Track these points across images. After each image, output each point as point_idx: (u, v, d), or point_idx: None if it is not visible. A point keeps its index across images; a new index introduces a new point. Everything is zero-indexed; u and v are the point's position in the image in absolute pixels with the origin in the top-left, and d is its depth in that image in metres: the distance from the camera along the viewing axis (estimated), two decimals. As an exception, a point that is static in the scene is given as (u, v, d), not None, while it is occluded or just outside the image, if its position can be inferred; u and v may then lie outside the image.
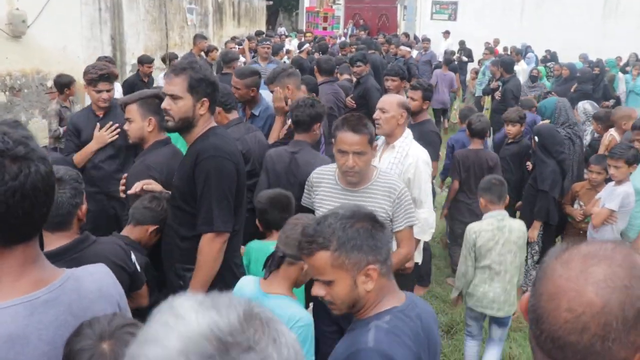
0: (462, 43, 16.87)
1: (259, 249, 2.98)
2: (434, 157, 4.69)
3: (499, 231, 3.63)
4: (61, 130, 6.40)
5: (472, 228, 3.71)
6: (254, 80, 4.59)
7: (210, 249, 2.59)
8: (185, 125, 2.62)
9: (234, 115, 3.84)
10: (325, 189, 2.98)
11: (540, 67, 10.82)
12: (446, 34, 17.99)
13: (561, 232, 5.23)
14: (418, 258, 3.75)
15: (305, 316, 2.32)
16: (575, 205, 4.86)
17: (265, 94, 4.84)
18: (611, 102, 9.77)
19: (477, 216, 4.14)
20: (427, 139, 4.61)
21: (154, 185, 2.88)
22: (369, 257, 1.64)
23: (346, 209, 1.74)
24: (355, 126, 2.73)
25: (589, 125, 6.14)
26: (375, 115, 3.63)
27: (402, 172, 3.50)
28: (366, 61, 6.85)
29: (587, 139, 6.07)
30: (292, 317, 2.22)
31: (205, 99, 2.59)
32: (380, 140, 3.75)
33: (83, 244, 2.17)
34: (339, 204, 2.74)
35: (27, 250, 1.34)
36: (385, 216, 2.83)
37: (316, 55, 10.08)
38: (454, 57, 14.77)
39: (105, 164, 4.02)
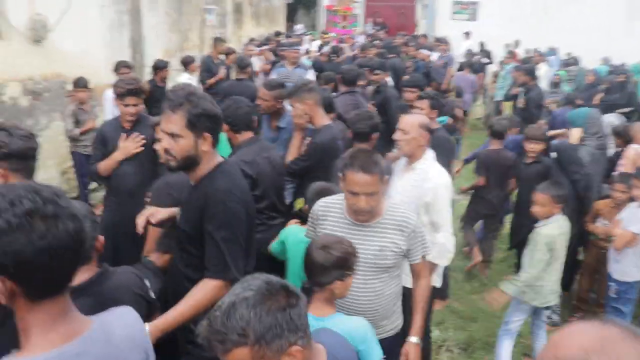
0: (482, 44, 16.71)
1: (294, 235, 3.32)
2: (447, 163, 4.64)
3: (564, 235, 4.00)
4: (77, 131, 6.48)
5: (546, 234, 3.90)
6: (281, 92, 4.64)
7: (213, 295, 2.34)
8: (188, 164, 2.45)
9: (246, 135, 3.73)
10: (333, 223, 2.83)
11: (561, 72, 10.65)
12: (467, 34, 17.82)
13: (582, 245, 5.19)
14: (437, 282, 3.74)
15: (358, 320, 2.49)
16: (598, 223, 4.78)
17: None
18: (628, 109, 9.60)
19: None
20: (438, 144, 4.57)
21: (160, 214, 2.72)
22: (291, 339, 1.49)
23: (256, 289, 1.49)
24: (366, 166, 2.61)
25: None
26: (396, 136, 3.60)
27: (421, 195, 3.46)
28: (385, 68, 6.81)
29: (610, 152, 5.95)
30: (352, 328, 2.33)
31: (207, 134, 2.41)
32: (402, 160, 3.72)
33: (104, 276, 2.21)
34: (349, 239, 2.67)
35: (56, 303, 1.36)
36: (397, 251, 2.79)
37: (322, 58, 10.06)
38: (474, 58, 14.65)
39: (129, 175, 4.05)
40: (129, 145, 4.00)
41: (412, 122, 3.55)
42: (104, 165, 4.07)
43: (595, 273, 4.96)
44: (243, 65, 7.59)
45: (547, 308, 4.21)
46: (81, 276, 2.10)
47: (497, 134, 5.69)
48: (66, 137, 6.60)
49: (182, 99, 2.38)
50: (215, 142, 2.49)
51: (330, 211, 2.87)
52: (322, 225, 2.85)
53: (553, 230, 3.92)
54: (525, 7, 18.75)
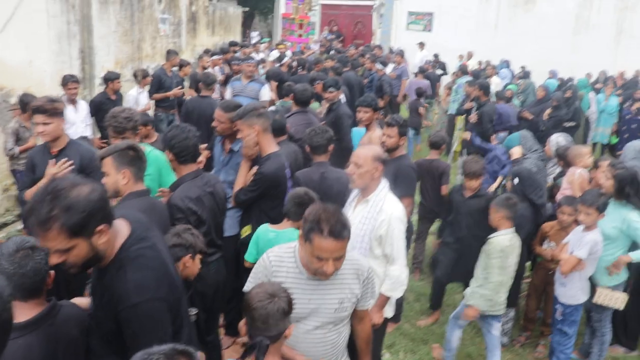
0: (436, 56, 16.99)
1: (264, 234, 3.71)
2: (410, 191, 4.80)
3: (514, 249, 4.29)
4: (16, 149, 6.23)
5: (498, 242, 4.24)
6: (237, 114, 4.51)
7: None
8: (93, 264, 2.12)
9: (191, 167, 3.59)
10: (288, 277, 2.65)
11: (512, 86, 10.90)
12: (421, 45, 18.09)
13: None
14: (389, 312, 3.74)
15: None
16: (545, 245, 4.88)
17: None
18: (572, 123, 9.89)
19: (430, 214, 6.13)
20: (404, 173, 4.69)
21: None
22: None
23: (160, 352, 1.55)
24: (336, 231, 2.43)
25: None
26: (349, 170, 3.57)
27: (375, 228, 3.44)
28: (339, 87, 6.80)
29: (556, 172, 6.10)
30: None
31: (99, 228, 2.03)
32: (355, 191, 3.69)
33: (54, 309, 2.26)
34: (307, 295, 2.61)
35: None
36: (354, 300, 2.74)
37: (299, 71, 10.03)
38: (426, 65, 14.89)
39: None
40: (55, 172, 3.84)
41: (365, 155, 3.47)
42: (30, 193, 3.88)
43: (543, 294, 5.06)
44: (209, 82, 7.40)
45: (495, 318, 4.41)
46: (32, 310, 2.19)
47: (433, 145, 6.10)
48: (5, 155, 6.34)
49: (47, 212, 1.90)
50: (110, 223, 2.10)
51: (283, 263, 2.69)
52: (275, 278, 2.65)
53: (505, 241, 4.25)
54: (479, 19, 19.15)
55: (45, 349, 2.15)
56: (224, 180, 4.25)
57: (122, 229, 2.20)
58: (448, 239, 5.28)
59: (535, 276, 5.12)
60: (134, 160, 3.08)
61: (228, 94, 8.27)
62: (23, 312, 2.13)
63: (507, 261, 4.24)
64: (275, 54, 13.05)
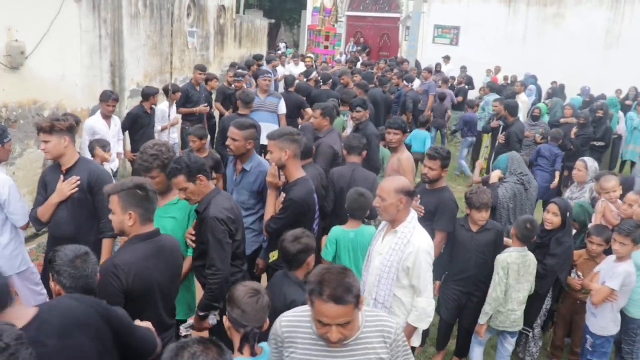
0: (463, 69, 16.90)
1: (343, 234, 4.26)
2: (450, 227, 4.69)
3: (517, 265, 4.37)
4: (51, 161, 6.33)
5: (501, 259, 4.40)
6: (252, 132, 4.50)
7: None
8: None
9: (211, 185, 3.66)
10: (305, 344, 2.46)
11: (541, 105, 10.79)
12: (446, 59, 18.03)
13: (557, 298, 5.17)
14: (416, 342, 3.76)
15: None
16: (573, 275, 4.79)
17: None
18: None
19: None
20: (445, 206, 4.65)
21: None
22: None
23: None
24: (338, 295, 2.22)
25: (591, 183, 6.04)
26: (374, 203, 3.58)
27: (402, 260, 3.46)
28: (366, 107, 6.78)
29: (585, 196, 5.99)
30: None
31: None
32: (383, 222, 3.70)
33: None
34: None
35: None
36: None
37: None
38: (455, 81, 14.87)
39: (65, 221, 4.09)
40: (64, 188, 4.01)
41: (389, 188, 3.47)
42: (42, 210, 4.10)
43: (570, 323, 4.97)
44: (247, 100, 7.34)
45: (510, 334, 4.56)
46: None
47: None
48: (41, 166, 6.46)
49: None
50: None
51: (299, 332, 2.48)
52: (290, 349, 2.48)
53: (508, 258, 4.37)
54: (506, 33, 19.03)
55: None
56: (236, 201, 4.22)
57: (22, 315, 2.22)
58: (452, 277, 4.82)
59: (562, 305, 5.03)
60: (142, 201, 2.99)
61: None
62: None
63: (509, 278, 4.35)
64: (302, 66, 13.03)
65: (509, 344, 4.58)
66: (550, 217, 4.60)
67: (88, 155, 5.86)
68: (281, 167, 4.07)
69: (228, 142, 4.43)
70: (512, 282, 4.35)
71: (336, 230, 4.29)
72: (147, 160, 3.68)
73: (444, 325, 5.05)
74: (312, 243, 3.46)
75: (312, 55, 16.36)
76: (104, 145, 5.93)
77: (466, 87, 14.33)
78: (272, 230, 4.09)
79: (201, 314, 3.57)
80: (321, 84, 10.35)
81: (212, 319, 3.61)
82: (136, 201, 2.96)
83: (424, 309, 3.53)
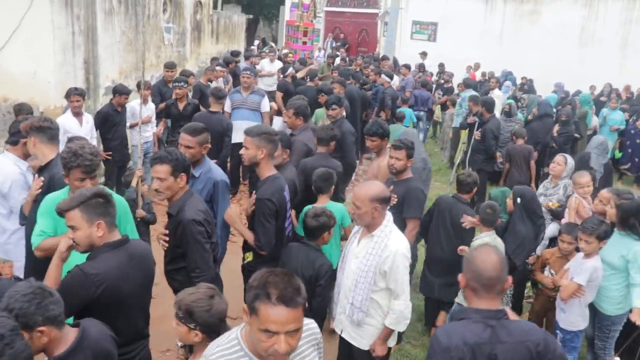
0: (441, 66, 16.99)
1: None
2: (418, 213, 4.85)
3: None
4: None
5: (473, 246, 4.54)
6: (206, 137, 4.40)
7: None
8: None
9: (186, 187, 3.63)
10: None
11: (510, 101, 10.93)
12: (423, 54, 18.12)
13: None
14: (392, 343, 3.82)
15: None
16: (546, 272, 4.86)
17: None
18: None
19: None
20: (413, 195, 4.75)
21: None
22: None
23: None
24: (288, 297, 2.01)
25: (567, 179, 6.12)
26: (349, 209, 3.62)
27: (379, 264, 3.49)
28: (341, 104, 6.79)
29: (560, 193, 6.08)
30: None
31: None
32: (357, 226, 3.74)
33: (85, 332, 2.50)
34: None
35: None
36: None
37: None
38: (432, 79, 14.93)
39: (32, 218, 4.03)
40: (32, 188, 4.11)
41: (363, 196, 3.49)
42: (25, 207, 4.24)
43: (544, 319, 5.04)
44: (219, 96, 7.32)
45: None
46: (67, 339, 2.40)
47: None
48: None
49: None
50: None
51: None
52: None
53: (478, 242, 4.68)
54: (484, 29, 19.18)
55: None
56: None
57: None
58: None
59: (536, 302, 5.10)
60: (107, 208, 2.87)
61: (227, 107, 8.24)
62: (64, 340, 2.39)
63: None
64: (277, 64, 12.93)
65: None
66: (509, 202, 4.97)
67: None
68: (254, 164, 4.04)
69: (182, 150, 4.09)
70: None
71: (307, 208, 4.38)
72: (91, 161, 3.44)
73: (427, 301, 5.50)
74: (330, 221, 3.98)
75: (288, 52, 16.29)
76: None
77: (452, 86, 14.32)
78: (267, 246, 3.96)
79: None
80: (308, 80, 10.38)
81: None
82: (101, 210, 2.85)
83: (401, 312, 3.57)
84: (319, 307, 3.88)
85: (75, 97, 6.78)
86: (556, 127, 9.55)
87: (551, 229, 5.86)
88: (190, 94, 9.50)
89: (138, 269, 2.97)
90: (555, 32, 17.96)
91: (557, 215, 5.89)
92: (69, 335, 2.41)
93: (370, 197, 3.47)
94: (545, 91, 15.29)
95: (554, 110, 10.75)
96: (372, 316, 3.63)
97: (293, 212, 4.55)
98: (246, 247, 4.22)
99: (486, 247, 2.69)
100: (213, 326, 2.55)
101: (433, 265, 5.24)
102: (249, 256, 4.10)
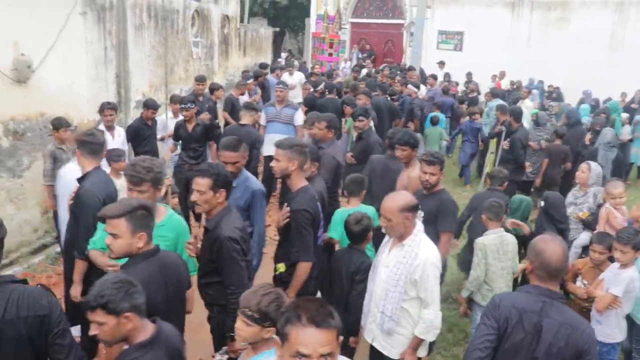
0: (469, 75, 16.87)
1: (344, 212, 4.70)
2: (452, 227, 4.81)
3: (495, 246, 4.79)
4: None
5: (478, 242, 4.85)
6: (245, 147, 4.57)
7: None
8: None
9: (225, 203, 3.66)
10: None
11: (536, 110, 10.83)
12: (441, 64, 18.10)
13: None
14: (422, 353, 3.80)
15: None
16: (578, 283, 4.79)
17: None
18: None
19: None
20: (446, 208, 4.71)
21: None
22: None
23: None
24: (320, 319, 1.94)
25: (596, 187, 6.03)
26: (381, 222, 3.63)
27: (410, 273, 3.51)
28: (368, 115, 6.82)
29: (590, 201, 5.98)
30: None
31: None
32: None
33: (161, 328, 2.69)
34: None
35: None
36: None
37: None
38: (457, 89, 14.85)
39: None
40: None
41: (392, 208, 3.51)
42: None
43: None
44: (251, 108, 7.34)
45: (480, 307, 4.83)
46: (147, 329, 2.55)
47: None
48: (44, 177, 6.51)
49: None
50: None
51: None
52: None
53: (485, 240, 4.83)
54: (510, 37, 19.03)
55: None
56: None
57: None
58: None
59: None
60: (149, 220, 2.98)
61: (262, 120, 8.33)
62: (144, 330, 2.53)
63: (486, 261, 4.78)
64: (294, 77, 12.83)
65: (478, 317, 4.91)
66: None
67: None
68: (285, 176, 4.10)
69: (228, 167, 4.16)
70: (491, 261, 4.77)
71: (338, 211, 4.80)
72: (140, 172, 3.54)
73: None
74: (371, 224, 4.33)
75: (314, 64, 16.38)
76: (119, 155, 5.98)
77: (477, 95, 14.25)
78: (310, 256, 3.98)
79: (232, 334, 3.36)
80: (327, 93, 10.40)
81: None
82: (145, 222, 2.94)
83: (431, 321, 3.58)
84: (355, 302, 4.09)
85: (108, 111, 6.96)
86: (588, 136, 9.41)
87: (583, 237, 5.76)
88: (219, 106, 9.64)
89: (171, 278, 3.05)
90: (584, 38, 17.70)
91: (588, 225, 5.80)
92: (148, 326, 2.55)
93: (400, 208, 3.50)
94: (573, 98, 15.09)
95: (587, 118, 10.61)
96: (402, 325, 3.64)
97: None
98: (278, 258, 4.26)
99: (554, 239, 2.88)
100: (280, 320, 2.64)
101: None
102: (281, 267, 4.13)
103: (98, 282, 2.50)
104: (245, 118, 7.27)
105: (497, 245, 4.79)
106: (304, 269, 3.97)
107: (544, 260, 2.75)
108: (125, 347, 2.54)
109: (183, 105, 7.57)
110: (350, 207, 4.85)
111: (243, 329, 2.61)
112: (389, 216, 3.51)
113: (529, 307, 2.75)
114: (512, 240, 4.89)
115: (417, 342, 3.65)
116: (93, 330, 2.45)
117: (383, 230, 3.66)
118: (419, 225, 3.64)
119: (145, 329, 2.53)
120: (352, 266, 4.19)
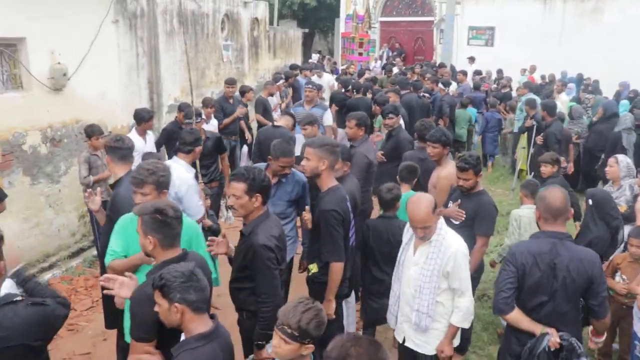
0: (499, 72, 16.63)
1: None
2: (490, 231, 4.72)
3: (528, 217, 5.17)
4: (91, 178, 6.53)
5: (513, 213, 5.43)
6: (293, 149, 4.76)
7: None
8: None
9: (263, 208, 3.56)
10: None
11: (572, 103, 10.59)
12: (471, 60, 17.87)
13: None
14: (456, 342, 3.86)
15: None
16: (617, 278, 4.67)
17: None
18: None
19: None
20: (485, 211, 4.62)
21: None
22: None
23: None
24: None
25: (629, 179, 5.87)
26: (417, 233, 3.65)
27: (442, 266, 3.57)
28: (397, 113, 6.77)
29: (627, 194, 5.82)
30: None
31: None
32: (407, 233, 3.82)
33: (218, 323, 2.83)
34: None
35: None
36: None
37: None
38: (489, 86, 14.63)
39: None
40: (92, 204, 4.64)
41: (427, 215, 3.54)
42: (100, 221, 4.69)
43: (617, 328, 4.84)
44: (289, 115, 7.35)
45: None
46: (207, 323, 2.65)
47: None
48: (80, 184, 6.66)
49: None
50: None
51: None
52: None
53: (519, 211, 5.33)
54: (543, 31, 18.68)
55: (222, 356, 2.63)
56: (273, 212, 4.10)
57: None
58: None
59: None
60: (161, 227, 2.93)
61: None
62: (203, 323, 2.61)
63: (519, 230, 5.19)
64: (323, 79, 12.70)
65: None
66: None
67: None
68: (316, 176, 4.05)
69: (304, 162, 4.09)
70: (523, 232, 5.08)
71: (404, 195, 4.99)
72: (142, 174, 3.59)
73: None
74: (399, 192, 4.75)
75: (348, 64, 16.35)
76: (158, 158, 6.08)
77: (510, 91, 14.00)
78: (340, 256, 3.95)
79: (260, 342, 3.44)
80: (355, 93, 10.36)
81: (270, 348, 3.35)
82: (156, 226, 2.93)
83: (467, 309, 3.65)
84: None
85: (151, 121, 7.24)
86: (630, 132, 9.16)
87: (625, 232, 5.63)
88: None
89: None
90: (619, 30, 17.24)
91: (628, 218, 5.65)
92: (208, 322, 2.63)
93: (431, 212, 3.56)
94: (609, 92, 14.73)
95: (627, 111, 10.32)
96: (437, 320, 3.70)
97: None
98: (310, 258, 4.25)
99: (554, 188, 3.43)
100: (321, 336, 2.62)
101: None
102: (313, 267, 4.11)
103: (171, 265, 2.65)
104: (282, 121, 7.29)
105: (530, 218, 5.06)
106: (337, 270, 3.93)
107: (547, 203, 3.27)
108: (183, 338, 2.65)
109: (188, 120, 7.46)
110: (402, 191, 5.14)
111: (281, 346, 2.54)
112: (426, 224, 3.55)
113: (541, 250, 3.24)
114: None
115: (454, 332, 3.72)
116: (155, 308, 2.61)
117: (419, 237, 3.66)
118: (441, 219, 3.71)
119: (205, 323, 2.61)
120: (398, 234, 4.30)
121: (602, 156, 8.69)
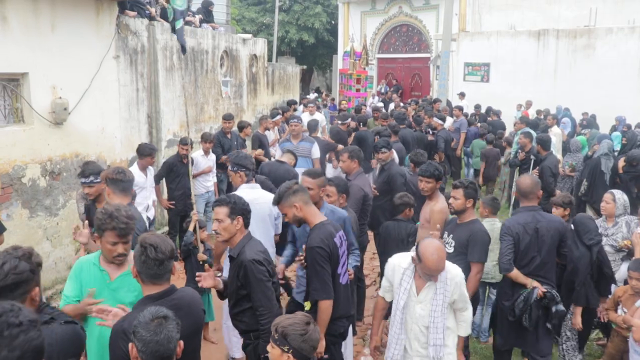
0: (488, 110, 16.78)
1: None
2: (484, 258, 4.73)
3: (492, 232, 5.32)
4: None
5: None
6: (322, 180, 4.62)
7: None
8: None
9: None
10: None
11: (581, 138, 10.68)
12: (461, 95, 18.11)
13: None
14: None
15: None
16: (619, 311, 4.66)
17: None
18: None
19: None
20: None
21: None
22: None
23: None
24: None
25: (624, 216, 5.88)
26: (432, 280, 3.75)
27: (449, 298, 3.77)
28: (390, 147, 6.86)
29: (623, 231, 5.83)
30: None
31: None
32: (408, 269, 3.88)
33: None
34: None
35: None
36: None
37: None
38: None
39: None
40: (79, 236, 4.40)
41: (441, 262, 3.65)
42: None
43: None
44: (292, 154, 7.47)
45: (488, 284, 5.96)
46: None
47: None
48: (80, 219, 6.65)
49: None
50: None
51: None
52: None
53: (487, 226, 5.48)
54: (537, 67, 18.96)
55: None
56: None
57: None
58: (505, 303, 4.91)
59: (611, 344, 4.86)
60: (142, 263, 2.88)
61: (278, 155, 8.45)
62: None
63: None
64: (315, 116, 12.53)
65: (492, 294, 5.98)
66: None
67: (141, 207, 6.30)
68: (301, 222, 3.99)
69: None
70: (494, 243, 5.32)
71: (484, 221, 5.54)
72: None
73: (498, 354, 5.35)
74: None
75: (346, 101, 16.54)
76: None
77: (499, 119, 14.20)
78: (327, 293, 3.83)
79: (266, 355, 3.28)
80: (361, 125, 10.54)
81: None
82: (138, 261, 2.89)
83: (470, 318, 3.99)
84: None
85: (155, 156, 7.26)
86: (621, 163, 9.23)
87: (623, 269, 5.62)
88: (247, 143, 9.78)
89: (185, 319, 2.81)
90: (612, 65, 17.50)
91: (630, 253, 5.65)
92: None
93: (442, 258, 3.65)
94: (604, 126, 14.89)
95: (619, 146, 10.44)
96: (446, 344, 3.84)
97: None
98: (306, 295, 4.19)
99: (524, 175, 4.68)
100: (305, 352, 2.66)
101: None
102: (307, 305, 4.05)
103: (143, 312, 2.47)
104: (285, 157, 7.35)
105: (492, 230, 5.41)
106: (325, 308, 3.82)
107: (519, 187, 4.82)
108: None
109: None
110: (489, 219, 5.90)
111: (269, 349, 2.75)
112: (440, 268, 3.68)
113: (526, 220, 4.64)
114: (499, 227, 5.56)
115: (463, 342, 4.07)
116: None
117: (432, 280, 3.77)
118: None
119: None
120: (404, 234, 5.71)
121: (585, 181, 8.83)
